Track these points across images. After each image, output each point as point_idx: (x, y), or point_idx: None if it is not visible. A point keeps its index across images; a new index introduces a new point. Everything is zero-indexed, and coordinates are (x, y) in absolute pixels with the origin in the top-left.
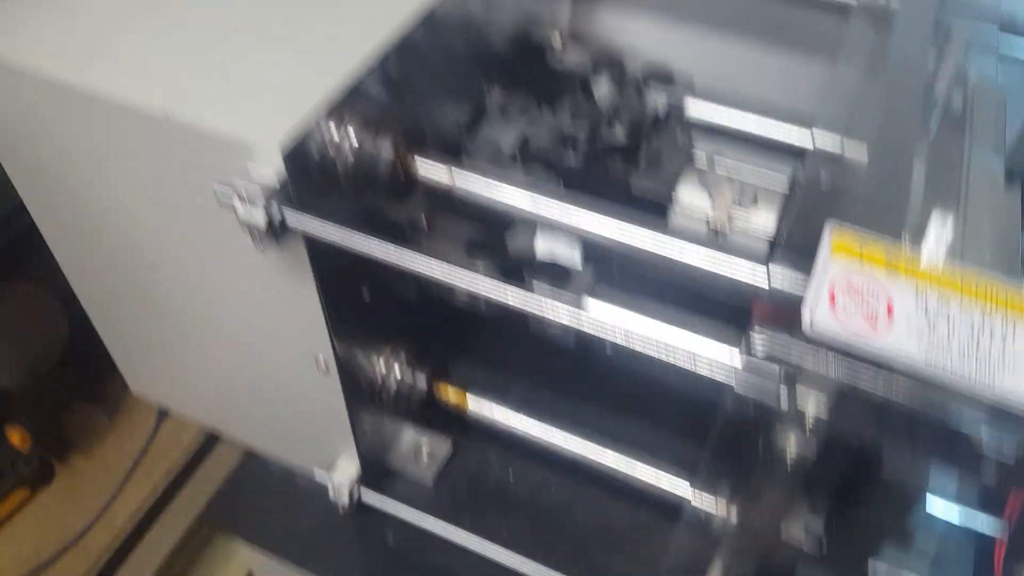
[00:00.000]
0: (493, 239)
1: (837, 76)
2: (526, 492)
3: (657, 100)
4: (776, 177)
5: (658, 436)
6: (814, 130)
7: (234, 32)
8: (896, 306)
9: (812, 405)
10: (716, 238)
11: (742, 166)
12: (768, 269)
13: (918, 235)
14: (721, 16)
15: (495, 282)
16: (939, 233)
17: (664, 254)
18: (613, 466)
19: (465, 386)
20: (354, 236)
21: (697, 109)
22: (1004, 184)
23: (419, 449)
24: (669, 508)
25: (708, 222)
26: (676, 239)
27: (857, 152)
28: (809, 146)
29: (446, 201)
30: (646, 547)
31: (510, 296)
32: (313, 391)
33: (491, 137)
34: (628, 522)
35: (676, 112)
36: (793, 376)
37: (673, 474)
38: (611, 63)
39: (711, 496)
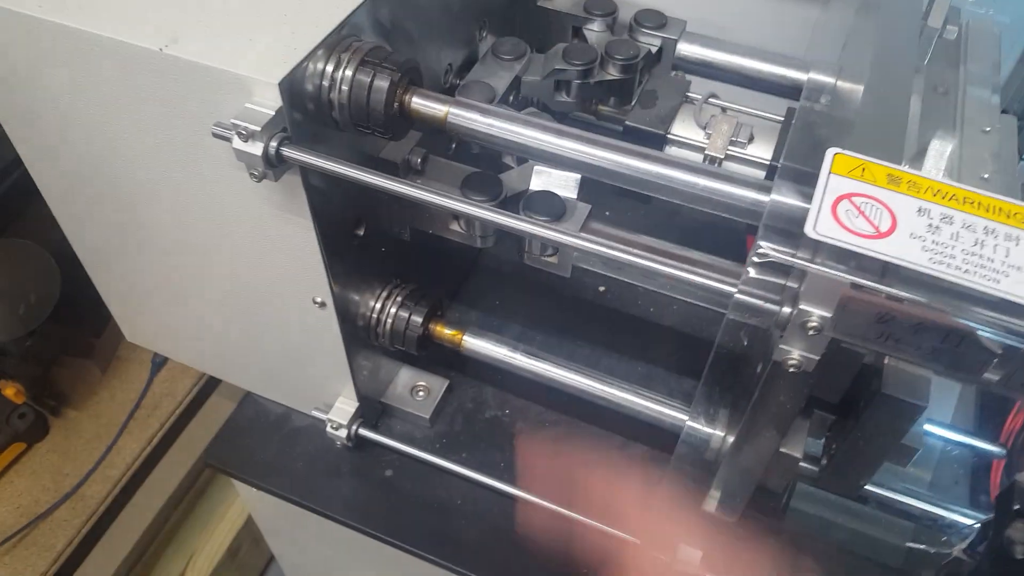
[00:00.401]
0: (487, 180)
1: (830, 16)
2: (523, 428)
3: (651, 43)
4: (772, 118)
5: (654, 371)
6: (811, 70)
7: None
8: (899, 218)
9: (815, 313)
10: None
11: (738, 106)
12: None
13: (917, 160)
14: None
15: (488, 210)
16: (937, 157)
17: (667, 176)
18: (608, 397)
19: (460, 325)
20: (349, 168)
21: (691, 51)
22: (998, 113)
23: (415, 387)
24: (665, 439)
25: (705, 156)
26: (679, 166)
27: (853, 85)
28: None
29: (441, 142)
30: (641, 477)
31: (502, 220)
32: (311, 331)
33: (483, 79)
34: (623, 455)
35: (669, 54)
36: (795, 288)
37: (669, 402)
38: (604, 7)
39: (709, 418)
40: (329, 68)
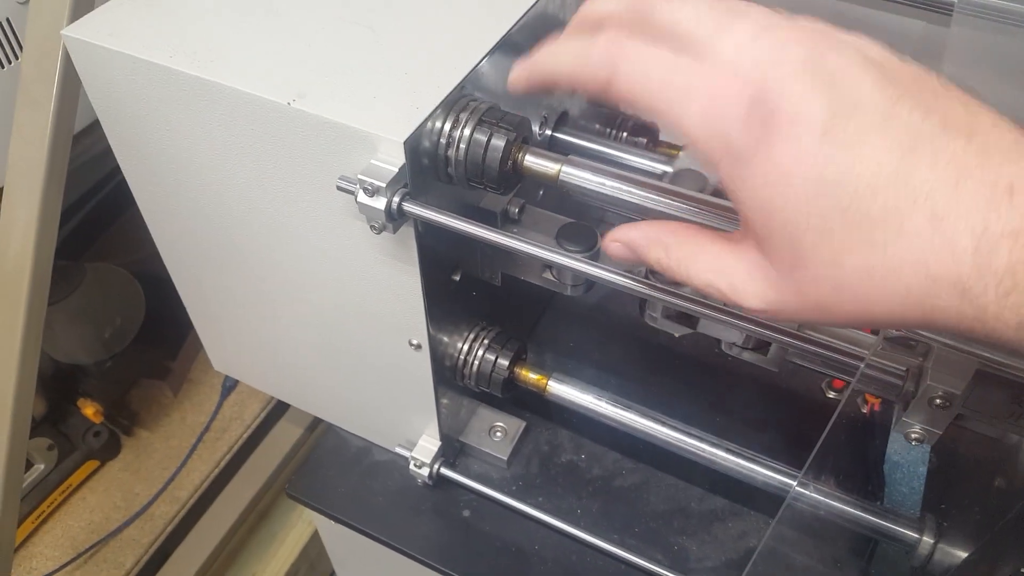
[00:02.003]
0: (582, 231)
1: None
2: (599, 475)
3: None
4: None
5: (730, 422)
6: None
7: (350, 24)
8: None
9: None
10: None
11: None
12: None
13: None
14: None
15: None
16: None
17: None
18: (706, 455)
19: (544, 368)
20: (467, 224)
21: None
22: None
23: (493, 427)
24: (745, 493)
25: None
26: None
27: None
28: None
29: (530, 188)
30: (721, 531)
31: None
32: (404, 371)
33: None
34: (702, 507)
35: None
36: (920, 362)
37: (770, 463)
38: None
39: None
40: (447, 126)
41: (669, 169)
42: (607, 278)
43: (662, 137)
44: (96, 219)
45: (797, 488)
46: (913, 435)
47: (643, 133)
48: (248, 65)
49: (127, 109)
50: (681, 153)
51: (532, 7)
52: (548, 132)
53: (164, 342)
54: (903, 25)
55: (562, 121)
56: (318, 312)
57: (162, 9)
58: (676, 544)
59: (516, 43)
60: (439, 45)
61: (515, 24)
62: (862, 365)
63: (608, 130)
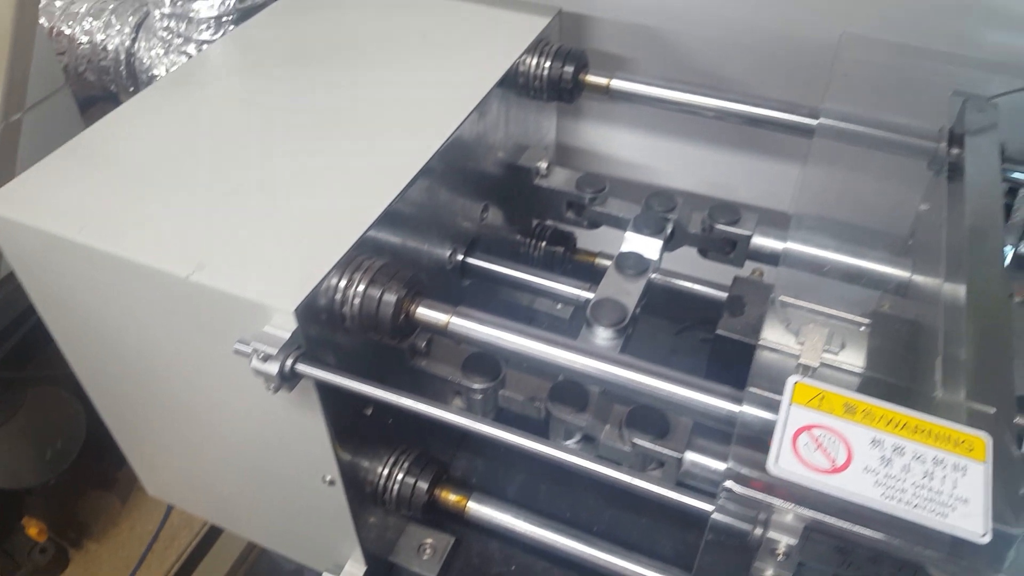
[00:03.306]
0: (487, 361)
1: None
2: None
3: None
4: (859, 320)
5: (658, 524)
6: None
7: (251, 192)
8: (854, 451)
9: (783, 541)
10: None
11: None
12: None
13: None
14: (696, 129)
15: (487, 424)
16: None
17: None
18: (608, 564)
19: (465, 487)
20: (357, 382)
21: (766, 243)
22: None
23: (422, 545)
24: None
25: (798, 366)
26: (659, 375)
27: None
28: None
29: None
30: None
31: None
32: (320, 503)
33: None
34: None
35: (744, 247)
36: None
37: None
38: (595, 184)
39: None
40: (343, 284)
41: (590, 296)
42: (459, 422)
43: (579, 245)
44: (36, 335)
45: None
46: None
47: (560, 242)
48: (152, 236)
49: (44, 276)
50: (603, 281)
51: (422, 169)
52: (459, 258)
53: (108, 453)
54: None
55: (473, 247)
56: (237, 450)
57: (75, 179)
58: None
59: (407, 197)
60: (335, 208)
61: (406, 186)
62: (712, 512)
63: (527, 240)
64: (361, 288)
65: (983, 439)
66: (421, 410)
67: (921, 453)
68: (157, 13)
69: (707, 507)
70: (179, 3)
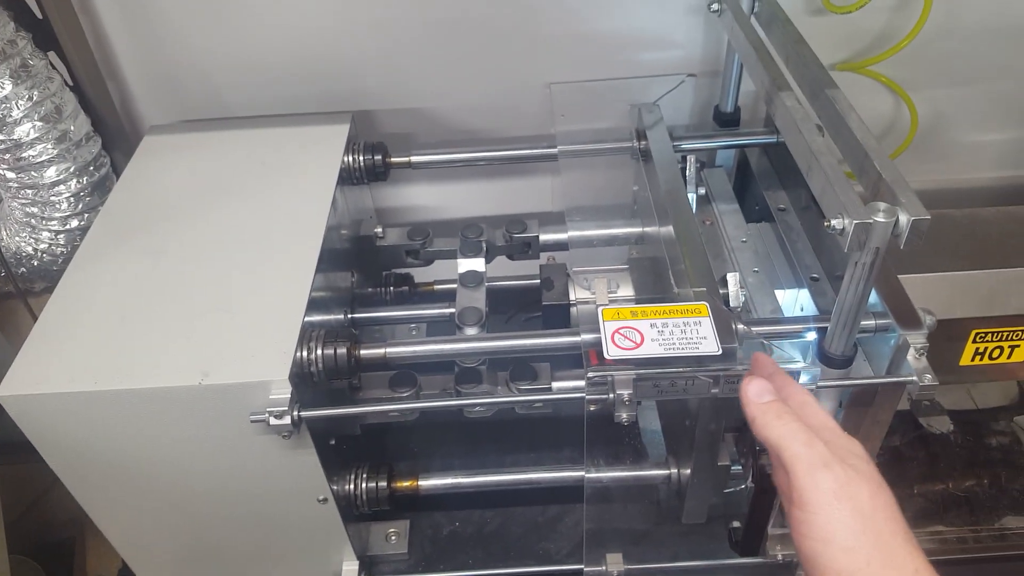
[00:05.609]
0: (406, 376)
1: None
2: (473, 530)
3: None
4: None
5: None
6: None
7: (209, 308)
8: (643, 333)
9: (624, 392)
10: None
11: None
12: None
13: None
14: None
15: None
16: (734, 281)
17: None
18: (531, 479)
19: (411, 474)
20: (349, 409)
21: (550, 237)
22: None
23: (388, 534)
24: (567, 496)
25: (597, 305)
26: (526, 336)
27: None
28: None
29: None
30: (563, 527)
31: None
32: (316, 521)
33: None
34: (545, 517)
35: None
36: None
37: (567, 469)
38: (421, 233)
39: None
40: (305, 353)
41: (446, 311)
42: (423, 406)
43: (418, 280)
44: None
45: (587, 475)
46: (624, 417)
47: (403, 283)
48: (152, 363)
49: (63, 440)
50: (457, 296)
51: (317, 263)
52: (349, 315)
53: None
54: None
55: (353, 304)
56: (243, 508)
57: (68, 344)
58: (541, 549)
59: (315, 284)
60: (275, 306)
61: (313, 277)
62: (585, 396)
63: (381, 288)
64: (319, 351)
65: (705, 305)
66: (393, 408)
67: (676, 322)
68: (15, 203)
69: (579, 396)
70: (39, 193)
